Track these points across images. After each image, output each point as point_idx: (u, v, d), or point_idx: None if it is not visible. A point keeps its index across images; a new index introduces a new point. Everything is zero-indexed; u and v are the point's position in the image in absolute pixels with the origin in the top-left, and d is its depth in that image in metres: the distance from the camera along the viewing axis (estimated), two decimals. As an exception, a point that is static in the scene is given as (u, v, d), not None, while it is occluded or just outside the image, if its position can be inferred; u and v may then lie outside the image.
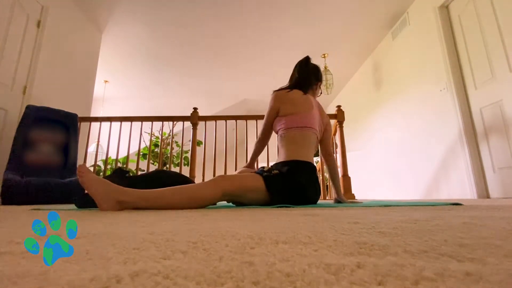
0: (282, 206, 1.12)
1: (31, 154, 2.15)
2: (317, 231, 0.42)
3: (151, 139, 3.16)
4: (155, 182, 1.30)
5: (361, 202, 1.58)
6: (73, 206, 1.35)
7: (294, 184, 1.24)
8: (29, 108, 2.21)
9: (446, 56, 2.60)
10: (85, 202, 1.10)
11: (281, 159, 1.36)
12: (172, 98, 5.62)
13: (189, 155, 3.23)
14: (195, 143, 2.83)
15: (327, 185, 3.36)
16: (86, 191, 1.14)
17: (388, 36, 3.66)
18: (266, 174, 1.21)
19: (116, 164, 2.83)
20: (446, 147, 2.63)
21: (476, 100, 2.39)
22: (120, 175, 1.22)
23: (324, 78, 4.13)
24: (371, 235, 0.38)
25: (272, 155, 2.94)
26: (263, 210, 0.93)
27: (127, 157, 2.80)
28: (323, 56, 4.17)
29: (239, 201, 1.24)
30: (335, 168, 1.56)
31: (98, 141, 2.90)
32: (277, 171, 1.23)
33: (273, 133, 1.54)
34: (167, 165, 3.49)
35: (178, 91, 5.37)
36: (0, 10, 2.22)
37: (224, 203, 1.79)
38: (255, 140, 1.60)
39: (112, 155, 3.24)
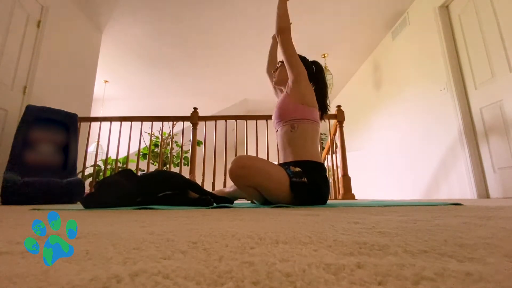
0: (282, 206, 1.12)
1: (31, 154, 2.15)
2: (317, 231, 0.42)
3: (151, 139, 3.16)
4: (164, 183, 1.30)
5: None
6: (73, 206, 1.36)
7: (318, 194, 1.25)
8: (29, 108, 2.21)
9: (446, 56, 2.60)
10: (91, 202, 1.10)
11: (298, 158, 1.27)
12: (172, 98, 5.61)
13: (189, 155, 3.23)
14: (195, 143, 2.83)
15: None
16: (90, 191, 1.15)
17: (388, 36, 3.66)
18: (294, 180, 1.19)
19: (116, 164, 2.83)
20: (446, 147, 2.62)
21: (476, 100, 2.38)
22: (128, 176, 1.23)
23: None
24: (371, 235, 0.38)
25: (272, 154, 2.94)
26: (263, 210, 0.93)
27: (127, 157, 2.80)
28: (323, 56, 4.17)
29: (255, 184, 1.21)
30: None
31: (98, 141, 2.90)
32: (305, 180, 1.20)
33: (272, 134, 1.50)
34: (167, 165, 3.49)
35: (178, 91, 5.37)
36: (0, 10, 2.22)
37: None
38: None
39: (112, 155, 3.24)
